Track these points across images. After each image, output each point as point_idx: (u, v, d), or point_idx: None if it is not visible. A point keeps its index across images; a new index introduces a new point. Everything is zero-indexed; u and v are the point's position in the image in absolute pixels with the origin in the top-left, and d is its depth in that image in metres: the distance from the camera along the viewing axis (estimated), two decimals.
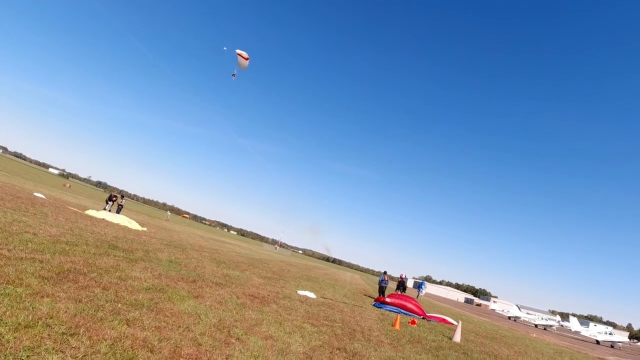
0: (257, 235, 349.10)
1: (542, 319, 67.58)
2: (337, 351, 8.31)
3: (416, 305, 21.47)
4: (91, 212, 25.14)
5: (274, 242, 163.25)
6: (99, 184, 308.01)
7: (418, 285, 52.65)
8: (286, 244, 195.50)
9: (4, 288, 5.66)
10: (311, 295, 17.34)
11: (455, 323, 22.59)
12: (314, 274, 39.77)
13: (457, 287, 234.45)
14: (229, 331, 7.22)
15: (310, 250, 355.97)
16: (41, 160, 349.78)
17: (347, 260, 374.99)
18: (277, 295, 14.06)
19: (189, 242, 28.14)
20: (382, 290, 27.24)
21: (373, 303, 21.89)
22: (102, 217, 24.40)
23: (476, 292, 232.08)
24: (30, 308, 5.19)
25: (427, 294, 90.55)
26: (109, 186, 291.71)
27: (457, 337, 15.41)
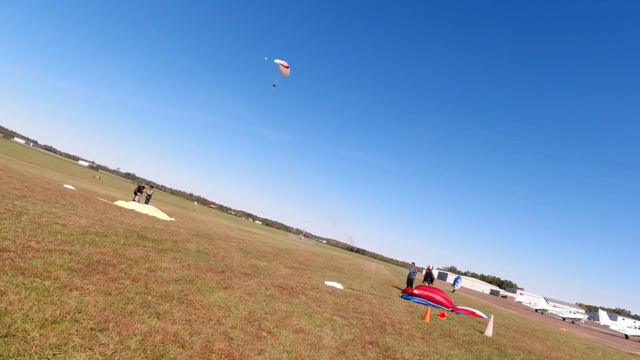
0: (282, 225, 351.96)
1: (570, 312, 65.80)
2: (370, 345, 8.01)
3: (445, 298, 20.94)
4: (120, 203, 25.49)
5: (298, 232, 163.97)
6: (127, 176, 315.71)
7: (454, 280, 51.96)
8: (310, 234, 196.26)
9: (32, 282, 5.53)
10: (338, 286, 17.09)
11: (484, 316, 21.99)
12: (339, 264, 39.58)
13: (483, 278, 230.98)
14: (259, 324, 7.00)
15: (334, 240, 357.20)
16: (71, 153, 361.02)
17: (371, 250, 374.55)
18: (304, 286, 13.85)
19: (216, 232, 28.28)
20: (410, 281, 26.78)
21: (400, 294, 21.49)
22: (131, 208, 24.70)
23: (502, 284, 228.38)
24: (58, 302, 5.04)
25: (451, 285, 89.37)
26: (138, 177, 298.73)
27: (489, 332, 14.90)
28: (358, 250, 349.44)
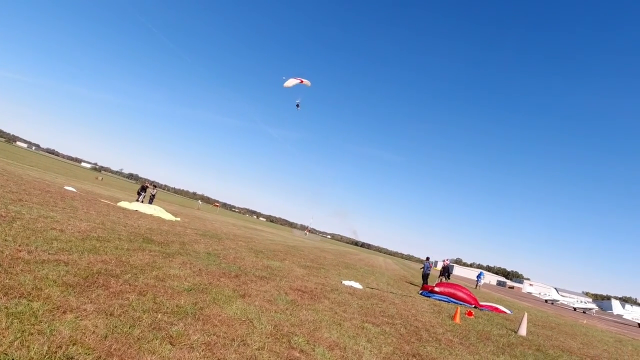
0: (286, 221, 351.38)
1: (581, 302, 64.68)
2: (413, 358, 6.99)
3: (467, 294, 19.92)
4: (123, 204, 24.53)
5: (303, 228, 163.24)
6: (130, 176, 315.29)
7: (477, 275, 50.97)
8: (315, 229, 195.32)
9: (16, 304, 4.49)
10: (357, 285, 16.09)
11: (507, 311, 21.02)
12: (350, 260, 38.61)
13: (489, 269, 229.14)
14: (289, 341, 5.99)
15: (339, 234, 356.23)
16: (73, 155, 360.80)
17: (376, 244, 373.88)
18: (324, 288, 12.85)
19: (223, 231, 27.31)
20: (425, 277, 25.76)
21: (419, 292, 20.47)
22: (134, 209, 23.74)
23: (508, 274, 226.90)
24: (48, 332, 3.99)
25: (454, 276, 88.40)
26: (141, 178, 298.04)
27: (523, 330, 13.90)
28: (363, 245, 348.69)
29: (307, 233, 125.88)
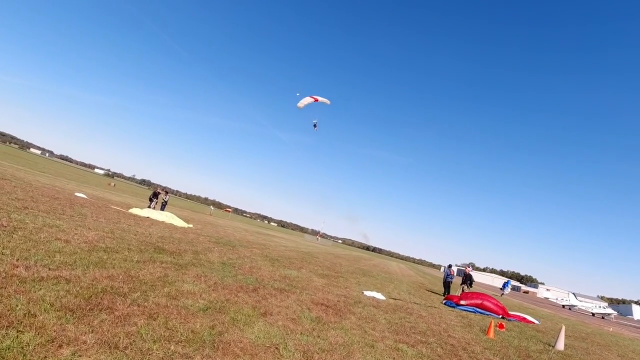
0: (297, 226, 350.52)
1: (599, 307, 62.80)
2: None
3: (495, 304, 18.83)
4: (135, 211, 23.93)
5: (314, 233, 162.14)
6: (143, 182, 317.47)
7: (503, 284, 49.68)
8: (326, 234, 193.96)
9: (2, 338, 3.70)
10: (379, 296, 15.17)
11: (535, 322, 19.91)
12: (365, 267, 37.63)
13: (502, 273, 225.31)
14: None
15: (350, 239, 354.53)
16: (87, 162, 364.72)
17: (387, 249, 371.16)
18: (346, 301, 11.97)
19: (236, 238, 26.57)
20: (447, 285, 24.66)
21: (444, 302, 19.43)
22: (146, 215, 23.11)
23: (522, 279, 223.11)
24: None
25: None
26: (153, 184, 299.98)
27: (560, 345, 12.87)
28: (374, 249, 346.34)
29: (319, 238, 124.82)
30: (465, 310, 17.89)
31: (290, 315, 8.02)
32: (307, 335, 6.76)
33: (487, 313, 18.08)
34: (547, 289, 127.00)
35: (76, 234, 10.33)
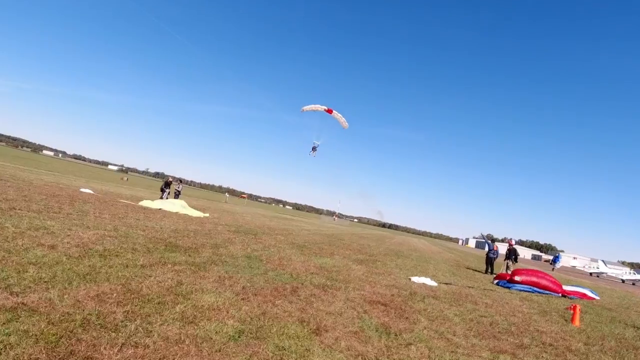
0: (312, 207, 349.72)
1: (629, 272, 60.15)
2: None
3: (551, 281, 16.69)
4: (146, 203, 22.12)
5: (330, 213, 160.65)
6: (157, 175, 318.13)
7: (554, 257, 47.50)
8: (342, 214, 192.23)
9: None
10: (429, 282, 13.10)
11: (595, 297, 17.75)
12: (393, 246, 35.64)
13: (521, 243, 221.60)
14: None
15: (365, 217, 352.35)
16: (100, 159, 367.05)
17: (403, 225, 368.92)
18: (400, 293, 9.93)
19: (256, 225, 24.67)
20: (490, 262, 22.51)
21: (495, 282, 17.31)
22: (158, 208, 21.27)
23: (541, 248, 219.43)
24: None
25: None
26: (167, 175, 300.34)
27: None
28: (390, 226, 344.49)
29: (336, 218, 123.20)
30: (522, 290, 15.78)
31: (350, 327, 5.97)
32: (386, 358, 4.71)
33: (546, 292, 15.98)
34: (574, 257, 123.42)
35: (68, 235, 8.36)
